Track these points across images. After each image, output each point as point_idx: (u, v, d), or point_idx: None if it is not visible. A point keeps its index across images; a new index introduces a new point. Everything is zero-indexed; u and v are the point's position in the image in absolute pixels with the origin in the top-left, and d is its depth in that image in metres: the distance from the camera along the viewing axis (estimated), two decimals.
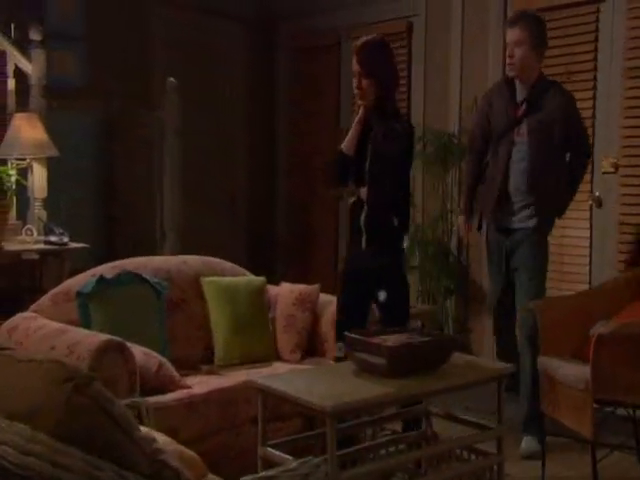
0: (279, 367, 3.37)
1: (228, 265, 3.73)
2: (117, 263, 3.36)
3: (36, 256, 4.19)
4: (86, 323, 3.06)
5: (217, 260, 3.72)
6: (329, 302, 3.58)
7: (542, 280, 3.71)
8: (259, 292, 3.57)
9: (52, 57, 4.96)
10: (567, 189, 3.71)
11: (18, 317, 3.10)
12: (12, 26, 4.46)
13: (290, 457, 2.49)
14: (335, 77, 5.66)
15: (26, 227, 4.12)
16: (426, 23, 5.14)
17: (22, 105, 4.33)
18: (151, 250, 4.73)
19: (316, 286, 3.64)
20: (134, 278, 3.20)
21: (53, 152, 4.21)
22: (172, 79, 4.73)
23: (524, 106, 3.61)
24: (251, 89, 6.09)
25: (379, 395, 2.47)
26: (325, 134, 5.75)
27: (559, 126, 3.59)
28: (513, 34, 3.58)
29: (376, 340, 2.68)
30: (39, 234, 4.19)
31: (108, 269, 3.30)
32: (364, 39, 3.20)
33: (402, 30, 5.22)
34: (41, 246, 4.08)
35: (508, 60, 3.60)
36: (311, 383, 2.57)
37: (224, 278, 3.55)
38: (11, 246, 4.00)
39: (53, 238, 4.09)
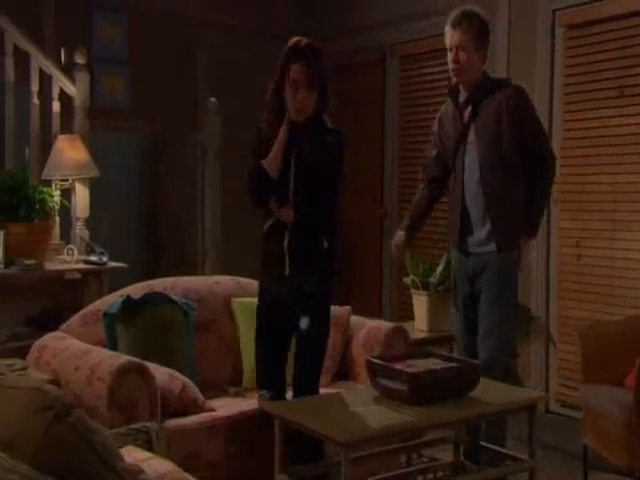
0: None
1: None
2: (147, 283, 3.37)
3: (78, 275, 4.25)
4: (112, 344, 3.07)
5: (250, 280, 3.68)
6: (361, 324, 3.51)
7: (507, 309, 3.22)
8: None
9: (98, 80, 5.10)
10: (532, 205, 3.25)
11: (48, 336, 3.14)
12: (62, 51, 4.57)
13: None
14: (380, 94, 5.61)
15: (67, 247, 4.18)
16: None
17: (67, 127, 4.42)
18: (193, 270, 4.76)
19: (347, 308, 3.56)
20: (161, 298, 3.20)
21: (94, 173, 4.28)
22: (213, 99, 4.76)
23: (469, 109, 3.25)
24: None
25: (397, 424, 2.38)
26: (370, 153, 5.71)
27: (507, 123, 3.15)
28: (455, 37, 3.23)
29: (398, 366, 2.60)
30: (81, 254, 4.24)
31: (137, 289, 3.31)
32: (306, 41, 2.77)
33: None
34: (81, 266, 4.14)
35: (452, 65, 3.23)
36: (328, 410, 2.50)
37: (255, 299, 3.51)
38: (52, 266, 4.07)
39: (93, 258, 4.14)
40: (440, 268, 3.99)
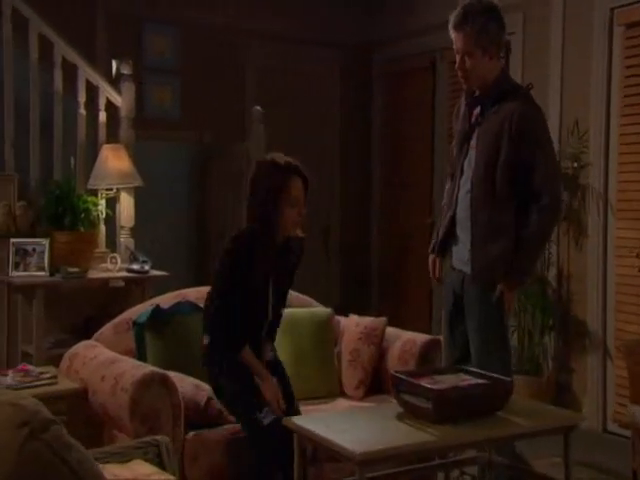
0: (340, 404, 3.23)
1: (293, 295, 3.61)
2: (179, 292, 3.36)
3: (122, 284, 4.30)
4: (141, 353, 3.07)
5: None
6: (397, 336, 3.41)
7: (491, 336, 2.84)
8: (323, 324, 3.45)
9: (148, 91, 5.17)
10: (520, 248, 2.79)
11: (80, 345, 3.16)
12: (113, 62, 4.64)
13: None
14: (429, 100, 5.49)
15: (111, 255, 4.23)
16: (523, 41, 4.88)
17: (114, 137, 4.48)
18: None
19: (383, 319, 3.47)
20: (191, 308, 3.17)
21: (138, 182, 4.31)
22: (258, 108, 4.74)
23: (477, 110, 2.89)
24: (346, 116, 6.05)
25: (417, 443, 2.27)
26: (419, 159, 5.60)
27: (506, 139, 2.76)
28: (459, 42, 2.84)
29: (423, 381, 2.49)
30: (126, 262, 4.28)
31: (170, 298, 3.31)
32: (294, 160, 2.76)
33: None
34: (123, 274, 4.18)
35: (459, 73, 2.87)
36: (349, 425, 2.41)
37: (286, 309, 3.45)
38: (95, 274, 4.12)
39: (135, 266, 4.17)
40: None
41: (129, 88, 4.42)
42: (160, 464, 2.15)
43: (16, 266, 3.96)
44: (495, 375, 2.57)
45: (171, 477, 1.99)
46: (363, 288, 6.07)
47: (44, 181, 4.27)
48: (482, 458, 2.87)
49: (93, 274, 4.11)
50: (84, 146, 4.39)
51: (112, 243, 4.48)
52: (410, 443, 2.26)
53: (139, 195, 4.51)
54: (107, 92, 4.43)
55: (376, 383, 3.37)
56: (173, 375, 2.78)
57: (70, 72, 4.36)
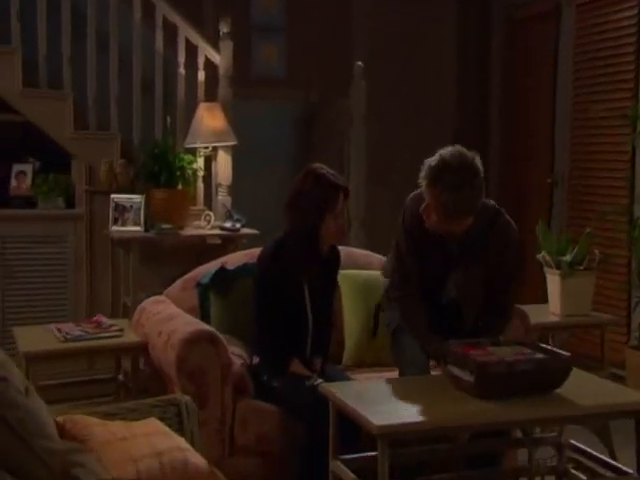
0: None
1: (376, 258, 3.46)
2: (249, 251, 3.30)
3: (218, 241, 4.33)
4: (205, 313, 3.05)
5: (364, 252, 3.49)
6: None
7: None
8: None
9: (255, 49, 5.14)
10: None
11: (149, 300, 3.20)
12: (220, 22, 4.62)
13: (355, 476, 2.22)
14: (552, 47, 5.03)
15: (205, 213, 4.26)
16: None
17: (215, 96, 4.49)
18: None
19: None
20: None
21: (233, 141, 4.30)
22: (359, 63, 4.57)
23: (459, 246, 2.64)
24: (463, 64, 5.69)
25: (448, 419, 2.09)
26: (539, 112, 5.19)
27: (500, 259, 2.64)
28: (457, 227, 2.58)
29: (468, 352, 2.28)
30: (220, 219, 4.30)
31: (240, 257, 3.27)
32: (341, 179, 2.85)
33: None
34: (215, 231, 4.20)
35: (433, 223, 2.57)
36: (384, 397, 2.26)
37: (362, 272, 3.31)
38: (188, 231, 4.18)
39: (227, 224, 4.18)
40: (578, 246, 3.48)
41: (228, 46, 4.39)
42: (179, 424, 2.11)
43: (115, 221, 4.09)
44: (555, 350, 2.31)
45: (179, 438, 1.93)
46: None
47: (146, 139, 4.36)
48: (554, 439, 2.63)
49: (188, 231, 4.17)
50: (183, 105, 4.43)
51: (211, 201, 4.52)
52: (435, 419, 2.07)
53: (242, 154, 4.50)
54: (207, 51, 4.43)
55: None
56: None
57: (173, 32, 4.40)
